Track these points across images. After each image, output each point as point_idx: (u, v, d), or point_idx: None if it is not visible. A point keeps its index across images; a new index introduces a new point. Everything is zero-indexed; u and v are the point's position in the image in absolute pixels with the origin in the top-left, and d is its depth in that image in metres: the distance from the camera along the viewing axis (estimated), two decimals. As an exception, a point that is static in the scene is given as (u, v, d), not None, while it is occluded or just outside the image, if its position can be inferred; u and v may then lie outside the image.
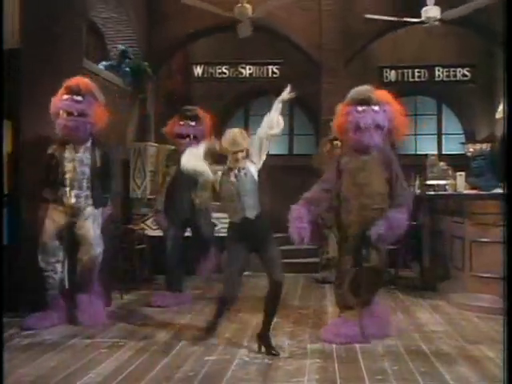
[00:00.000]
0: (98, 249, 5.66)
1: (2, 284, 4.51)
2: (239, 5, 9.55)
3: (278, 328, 5.45)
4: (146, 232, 8.28)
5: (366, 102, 5.12)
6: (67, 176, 5.60)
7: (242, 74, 11.16)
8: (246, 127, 13.17)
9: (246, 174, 4.69)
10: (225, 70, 11.14)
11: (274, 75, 11.08)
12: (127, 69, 9.18)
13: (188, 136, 6.71)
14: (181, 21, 10.30)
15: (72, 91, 5.57)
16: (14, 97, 6.18)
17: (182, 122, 6.79)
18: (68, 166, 5.61)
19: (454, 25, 10.23)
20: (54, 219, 5.61)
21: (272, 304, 4.75)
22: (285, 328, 5.46)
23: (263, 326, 4.76)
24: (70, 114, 5.52)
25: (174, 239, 6.73)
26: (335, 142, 7.71)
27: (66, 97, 5.56)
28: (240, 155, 4.64)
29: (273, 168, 11.43)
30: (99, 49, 9.85)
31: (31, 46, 6.25)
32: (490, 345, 4.87)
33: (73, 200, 5.59)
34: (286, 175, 11.43)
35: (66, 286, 5.81)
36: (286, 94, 4.82)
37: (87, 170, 5.64)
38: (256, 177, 4.74)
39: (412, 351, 4.70)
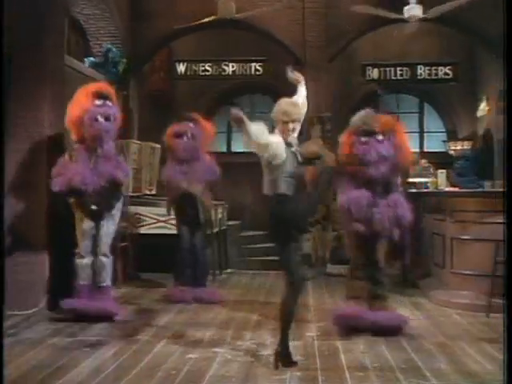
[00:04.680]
0: None
1: (2, 284, 4.47)
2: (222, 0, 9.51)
3: (260, 325, 5.47)
4: (129, 230, 8.24)
5: (369, 132, 5.08)
6: None
7: (225, 71, 11.15)
8: (229, 125, 13.17)
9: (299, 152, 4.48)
10: (208, 68, 11.13)
11: (257, 72, 11.09)
12: (111, 65, 9.15)
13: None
14: (164, 18, 10.26)
15: (103, 96, 5.70)
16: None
17: None
18: None
19: (437, 23, 10.28)
20: None
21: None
22: (267, 325, 5.47)
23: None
24: (107, 118, 5.66)
25: None
26: None
27: (99, 102, 5.66)
28: (291, 126, 4.51)
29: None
30: (81, 45, 9.79)
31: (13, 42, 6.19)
32: (470, 341, 4.92)
33: None
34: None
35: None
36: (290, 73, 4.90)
37: None
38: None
39: (393, 348, 4.74)
